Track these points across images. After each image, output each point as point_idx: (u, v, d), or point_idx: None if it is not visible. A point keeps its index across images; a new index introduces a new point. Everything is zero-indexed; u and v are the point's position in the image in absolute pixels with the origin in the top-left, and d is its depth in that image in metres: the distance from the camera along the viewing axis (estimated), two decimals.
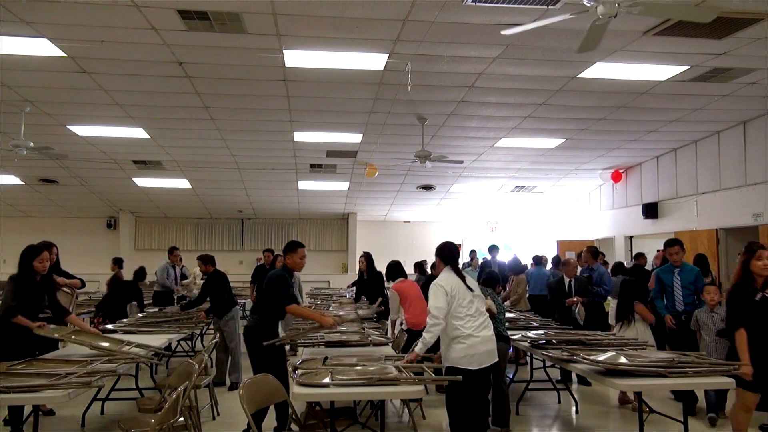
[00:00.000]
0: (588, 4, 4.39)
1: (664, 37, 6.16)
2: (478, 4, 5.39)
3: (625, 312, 6.18)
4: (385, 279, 7.82)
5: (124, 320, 7.12)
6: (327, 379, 3.69)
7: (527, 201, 16.07)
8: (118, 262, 9.40)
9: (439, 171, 12.37)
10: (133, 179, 13.33)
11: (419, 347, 4.08)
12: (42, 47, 6.39)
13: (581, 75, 7.38)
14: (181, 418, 3.79)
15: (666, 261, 7.97)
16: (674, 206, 11.56)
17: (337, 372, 3.77)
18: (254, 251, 17.14)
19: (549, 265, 11.04)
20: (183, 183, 13.70)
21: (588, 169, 12.92)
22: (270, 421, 4.86)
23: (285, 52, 6.60)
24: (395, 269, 7.14)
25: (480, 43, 6.46)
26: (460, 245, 18.08)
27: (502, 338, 5.25)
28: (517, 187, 14.59)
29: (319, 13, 5.73)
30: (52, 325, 4.93)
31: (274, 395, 3.90)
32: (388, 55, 6.70)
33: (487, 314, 4.40)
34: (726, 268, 9.79)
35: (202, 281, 11.54)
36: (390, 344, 5.35)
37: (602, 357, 4.33)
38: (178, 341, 7.77)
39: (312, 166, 12.39)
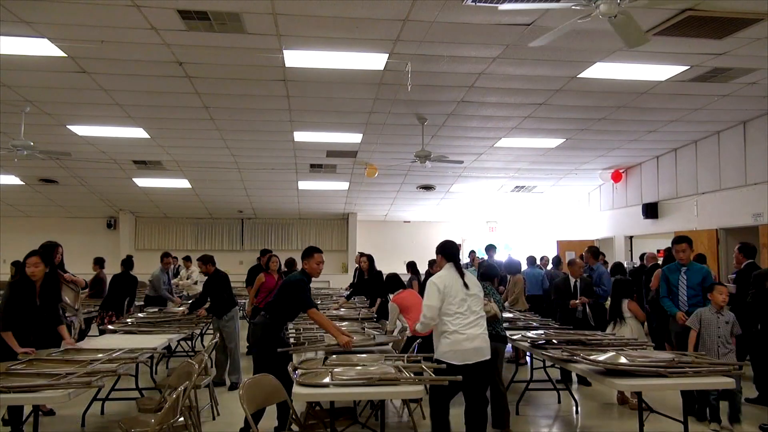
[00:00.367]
0: (588, 4, 4.39)
1: (664, 37, 6.16)
2: (478, 4, 5.38)
3: (615, 311, 6.21)
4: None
5: (128, 320, 7.13)
6: (327, 379, 3.69)
7: (527, 201, 16.07)
8: (99, 262, 9.35)
9: (439, 171, 12.37)
10: (133, 179, 13.33)
11: (418, 326, 4.43)
12: (42, 47, 6.39)
13: (581, 75, 7.38)
14: (181, 418, 3.80)
15: (669, 260, 8.02)
16: (674, 206, 11.56)
17: (337, 372, 3.77)
18: (254, 251, 17.08)
19: (549, 265, 11.07)
20: (183, 183, 13.70)
21: (588, 169, 12.91)
22: (270, 421, 4.86)
23: (285, 52, 6.59)
24: (394, 281, 7.21)
25: (480, 43, 6.46)
26: (460, 245, 18.10)
27: (499, 338, 5.25)
28: (517, 187, 14.59)
29: (319, 13, 5.73)
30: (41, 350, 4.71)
31: (274, 395, 3.90)
32: (388, 55, 6.70)
33: (482, 314, 4.40)
34: (726, 268, 9.78)
35: (191, 279, 11.59)
36: (390, 344, 5.35)
37: (602, 357, 4.33)
38: (178, 341, 7.77)
39: (312, 166, 12.39)
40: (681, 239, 6.06)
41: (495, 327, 5.20)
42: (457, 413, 4.80)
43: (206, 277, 7.34)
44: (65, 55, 6.64)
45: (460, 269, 4.40)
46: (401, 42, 6.35)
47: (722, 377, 4.02)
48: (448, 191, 14.86)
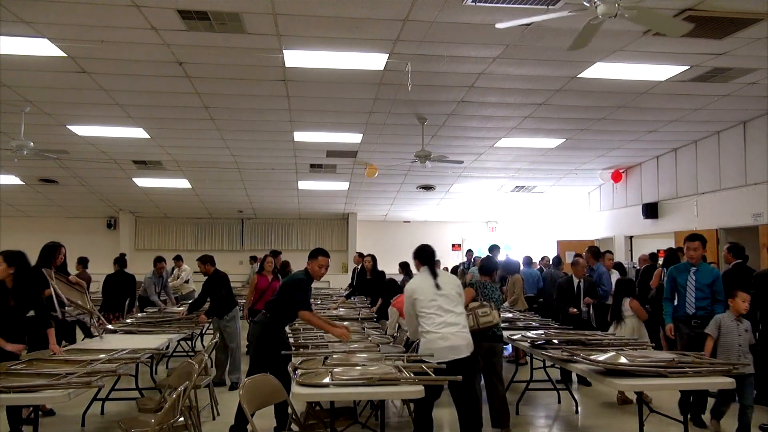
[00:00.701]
0: (588, 4, 4.39)
1: (664, 37, 6.16)
2: (478, 4, 5.39)
3: (616, 311, 6.22)
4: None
5: (128, 320, 7.13)
6: (327, 379, 3.69)
7: (527, 201, 16.07)
8: (82, 262, 9.30)
9: (439, 171, 12.37)
10: (133, 179, 13.33)
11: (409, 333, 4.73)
12: (42, 47, 6.39)
13: (581, 75, 7.38)
14: (181, 418, 3.80)
15: (670, 261, 8.02)
16: (674, 206, 11.56)
17: (337, 372, 3.77)
18: (254, 251, 17.13)
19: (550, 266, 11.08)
20: (183, 183, 13.70)
21: (588, 169, 12.91)
22: (269, 420, 4.87)
23: (285, 52, 6.60)
24: (392, 287, 7.27)
25: (480, 43, 6.46)
26: (459, 245, 18.11)
27: (495, 338, 5.25)
28: (517, 187, 14.59)
29: (319, 13, 5.73)
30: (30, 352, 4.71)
31: (274, 395, 3.90)
32: (388, 55, 6.70)
33: (456, 312, 4.42)
34: (726, 268, 9.78)
35: (180, 279, 11.56)
36: (391, 343, 5.35)
37: (602, 357, 4.33)
38: (178, 341, 7.76)
39: (312, 166, 12.39)
40: (695, 237, 5.68)
41: (491, 327, 5.20)
42: (442, 414, 4.84)
43: (205, 278, 7.32)
44: (65, 55, 6.63)
45: (433, 271, 4.51)
46: (401, 42, 6.35)
47: (722, 377, 4.02)
48: (448, 191, 14.86)
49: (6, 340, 4.49)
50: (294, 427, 4.10)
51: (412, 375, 3.79)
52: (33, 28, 5.99)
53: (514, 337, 5.72)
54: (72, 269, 7.25)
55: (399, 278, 8.44)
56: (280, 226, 17.75)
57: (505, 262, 9.88)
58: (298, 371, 3.87)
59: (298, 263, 7.70)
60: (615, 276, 8.40)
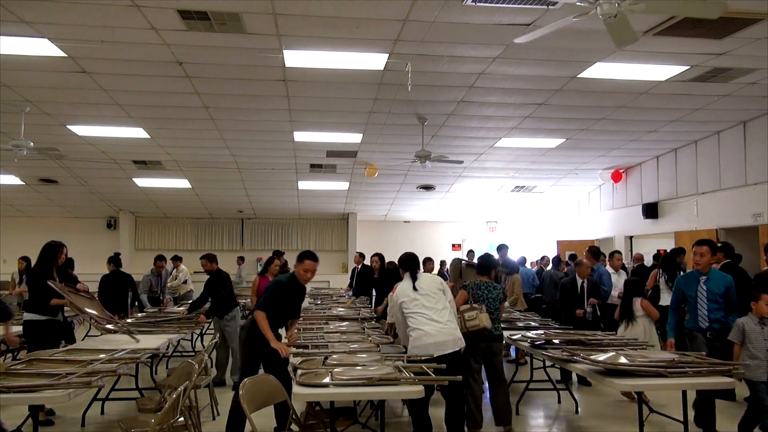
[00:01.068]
0: (588, 5, 4.39)
1: (664, 37, 6.16)
2: (478, 4, 5.39)
3: (627, 310, 6.21)
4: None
5: (128, 320, 7.12)
6: (327, 379, 3.69)
7: (527, 201, 16.07)
8: (69, 264, 9.29)
9: (439, 171, 12.38)
10: (133, 179, 13.33)
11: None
12: (42, 47, 6.39)
13: (581, 75, 7.38)
14: (181, 418, 3.79)
15: (668, 261, 8.04)
16: (674, 206, 11.56)
17: (337, 372, 3.77)
18: (254, 251, 17.15)
19: (549, 266, 11.09)
20: (183, 183, 13.70)
21: (588, 169, 12.92)
22: (270, 420, 4.86)
23: (285, 52, 6.60)
24: (394, 274, 7.25)
25: (480, 43, 6.46)
26: (460, 245, 18.12)
27: (493, 338, 5.26)
28: (517, 187, 14.59)
29: (319, 13, 5.73)
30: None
31: (274, 395, 3.90)
32: (388, 55, 6.70)
33: (439, 309, 4.65)
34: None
35: (179, 280, 11.55)
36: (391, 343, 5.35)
37: (602, 357, 4.33)
38: (178, 341, 7.76)
39: (312, 166, 12.39)
40: (703, 241, 5.22)
41: (484, 329, 5.21)
42: (437, 413, 4.86)
43: (208, 277, 7.31)
44: (65, 55, 6.64)
45: (413, 275, 4.83)
46: (401, 42, 6.36)
47: (722, 377, 4.02)
48: (448, 191, 14.86)
49: None
50: (294, 427, 4.09)
51: (412, 375, 3.79)
52: (33, 28, 5.99)
53: (514, 337, 5.71)
54: (77, 269, 7.27)
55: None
56: (280, 226, 17.75)
57: (503, 262, 9.88)
58: (298, 371, 3.87)
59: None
60: (622, 276, 8.42)
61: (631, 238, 13.38)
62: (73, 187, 13.88)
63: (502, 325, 5.60)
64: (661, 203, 11.98)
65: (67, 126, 9.48)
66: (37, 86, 7.79)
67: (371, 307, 8.26)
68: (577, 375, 6.57)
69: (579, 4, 4.43)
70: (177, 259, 11.88)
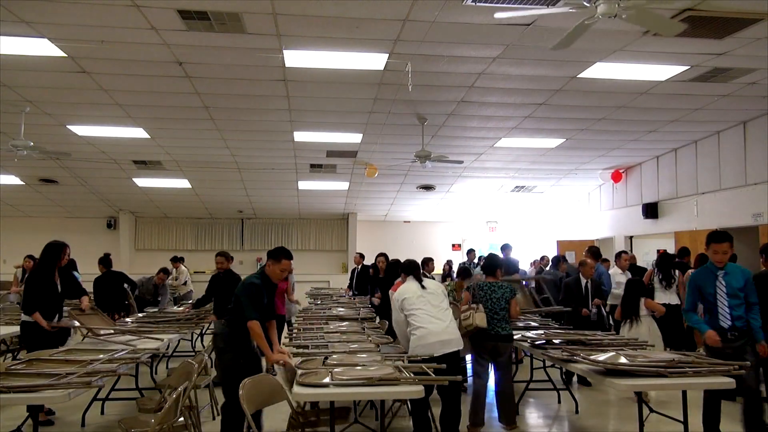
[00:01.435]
0: (588, 4, 4.39)
1: (664, 37, 6.16)
2: (478, 4, 5.39)
3: (632, 310, 6.22)
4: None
5: (127, 320, 7.12)
6: (327, 379, 3.69)
7: (527, 201, 16.07)
8: (33, 258, 9.25)
9: (439, 171, 12.37)
10: (133, 179, 13.33)
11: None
12: (42, 47, 6.39)
13: (581, 75, 7.38)
14: (181, 418, 3.80)
15: (664, 261, 8.05)
16: (674, 206, 11.56)
17: (337, 372, 3.77)
18: (254, 251, 17.14)
19: (549, 266, 11.09)
20: (183, 183, 13.70)
21: (588, 169, 12.91)
22: (270, 421, 4.86)
23: (285, 52, 6.59)
24: (395, 269, 7.29)
25: (480, 43, 6.46)
26: (460, 245, 18.12)
27: (499, 337, 5.26)
28: (517, 187, 14.59)
29: (319, 13, 5.73)
30: None
31: (274, 395, 3.90)
32: (388, 55, 6.70)
33: (443, 308, 4.76)
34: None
35: (179, 281, 11.53)
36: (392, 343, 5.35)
37: (602, 357, 4.34)
38: (179, 341, 7.76)
39: (312, 166, 12.39)
40: (723, 237, 4.63)
41: (495, 326, 5.22)
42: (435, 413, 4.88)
43: (212, 275, 7.28)
44: (65, 55, 6.63)
45: (418, 277, 4.96)
46: (401, 42, 6.35)
47: (722, 377, 4.02)
48: (448, 191, 14.86)
49: None
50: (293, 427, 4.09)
51: (412, 375, 3.80)
52: (33, 28, 5.99)
53: (515, 337, 5.71)
54: (85, 269, 7.23)
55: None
56: (280, 226, 17.74)
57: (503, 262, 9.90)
58: (299, 371, 3.87)
59: (298, 263, 7.71)
60: (621, 277, 8.41)
61: (631, 238, 13.38)
62: (73, 187, 13.87)
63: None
64: (661, 203, 11.98)
65: (67, 126, 9.47)
66: (37, 86, 7.79)
67: (371, 306, 8.26)
68: (577, 375, 6.58)
69: (572, 11, 4.44)
70: (177, 260, 11.87)
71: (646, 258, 12.73)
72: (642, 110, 8.89)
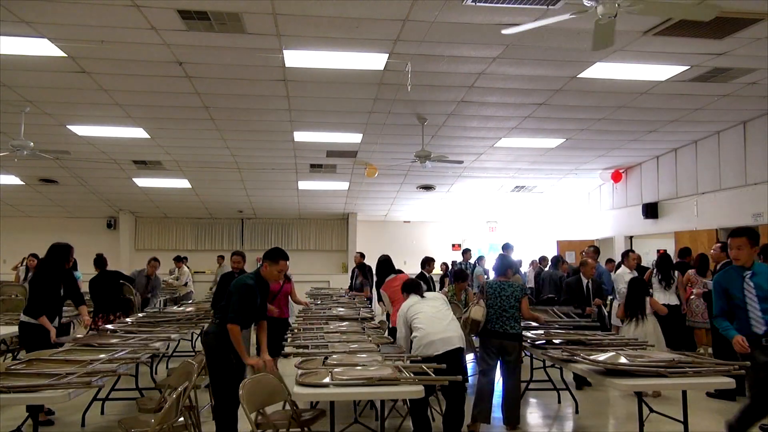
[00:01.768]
0: (588, 4, 4.39)
1: (664, 37, 6.16)
2: (478, 4, 5.38)
3: (635, 310, 6.23)
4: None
5: (127, 320, 7.11)
6: (327, 379, 3.69)
7: (527, 201, 16.07)
8: (36, 257, 9.21)
9: (439, 171, 12.37)
10: (133, 179, 13.33)
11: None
12: (42, 47, 6.39)
13: (581, 75, 7.38)
14: (181, 418, 3.80)
15: (663, 262, 8.05)
16: (674, 206, 11.56)
17: (337, 372, 3.77)
18: (254, 251, 17.09)
19: (548, 266, 11.09)
20: (183, 183, 13.70)
21: (588, 169, 12.91)
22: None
23: (285, 52, 6.59)
24: (387, 266, 7.61)
25: (480, 43, 6.46)
26: (460, 245, 18.12)
27: (507, 336, 5.27)
28: (517, 187, 14.59)
29: (319, 13, 5.73)
30: None
31: (274, 395, 3.90)
32: (388, 55, 6.70)
33: (443, 309, 4.97)
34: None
35: (180, 281, 11.49)
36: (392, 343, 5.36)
37: (602, 357, 4.34)
38: (179, 341, 7.75)
39: (312, 166, 12.39)
40: (739, 232, 4.26)
41: (504, 324, 5.25)
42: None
43: (219, 276, 7.25)
44: (65, 55, 6.63)
45: (420, 293, 5.20)
46: (401, 42, 6.35)
47: (722, 377, 4.02)
48: (448, 191, 14.86)
49: None
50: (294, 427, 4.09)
51: (412, 375, 3.80)
52: (33, 28, 5.99)
53: None
54: (85, 269, 7.20)
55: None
56: (280, 226, 17.74)
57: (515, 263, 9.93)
58: (299, 371, 3.87)
59: (298, 263, 7.71)
60: (629, 276, 8.41)
61: (631, 238, 13.38)
62: (73, 187, 13.87)
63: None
64: (661, 203, 11.97)
65: (67, 126, 9.47)
66: (37, 86, 7.78)
67: (371, 306, 8.27)
68: (574, 376, 6.58)
69: (574, 8, 4.44)
70: (180, 260, 11.84)
71: (646, 258, 12.72)
72: (642, 110, 8.89)
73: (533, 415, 6.16)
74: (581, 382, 6.91)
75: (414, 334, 4.78)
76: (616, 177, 13.26)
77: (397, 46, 6.45)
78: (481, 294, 5.63)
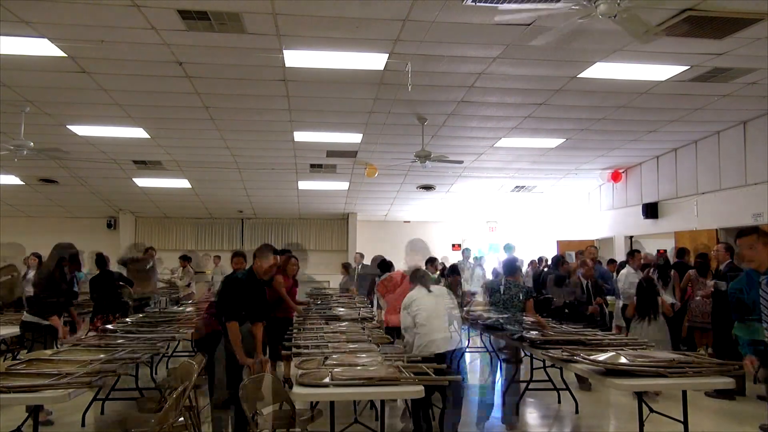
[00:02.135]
0: (588, 3, 4.39)
1: (664, 37, 6.15)
2: (478, 4, 5.38)
3: (648, 309, 6.24)
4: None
5: (127, 320, 7.10)
6: (327, 379, 3.69)
7: (527, 201, 16.07)
8: (37, 256, 9.19)
9: (439, 171, 12.37)
10: (133, 179, 13.33)
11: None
12: (42, 47, 6.38)
13: (581, 75, 7.38)
14: (181, 418, 3.79)
15: (666, 264, 8.06)
16: (674, 206, 11.56)
17: (337, 372, 3.77)
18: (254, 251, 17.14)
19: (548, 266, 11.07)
20: (183, 183, 13.70)
21: (588, 169, 12.91)
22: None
23: (285, 52, 6.59)
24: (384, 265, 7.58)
25: (480, 43, 6.46)
26: (460, 245, 18.11)
27: (509, 334, 5.31)
28: (517, 187, 14.58)
29: (319, 13, 5.73)
30: None
31: (274, 395, 3.89)
32: (388, 55, 6.70)
33: (447, 309, 4.96)
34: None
35: (183, 281, 11.44)
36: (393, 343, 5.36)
37: (602, 357, 4.33)
38: (179, 341, 7.74)
39: (312, 166, 12.39)
40: (748, 230, 4.04)
41: (504, 325, 5.27)
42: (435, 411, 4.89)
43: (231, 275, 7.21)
44: (65, 55, 6.63)
45: (426, 286, 5.12)
46: (401, 42, 6.35)
47: (722, 377, 4.02)
48: (448, 191, 14.86)
49: None
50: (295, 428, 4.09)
51: (412, 375, 3.79)
52: (33, 28, 5.98)
53: (514, 337, 5.71)
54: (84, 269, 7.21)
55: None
56: (280, 226, 17.74)
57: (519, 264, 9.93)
58: (299, 371, 3.87)
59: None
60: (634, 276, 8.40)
61: (631, 238, 13.36)
62: (73, 187, 13.87)
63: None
64: (661, 203, 11.97)
65: (67, 126, 9.47)
66: (37, 86, 7.78)
67: (371, 306, 8.27)
68: (576, 376, 6.57)
69: (575, 8, 4.44)
70: (186, 260, 11.82)
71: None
72: (642, 110, 8.89)
73: (533, 415, 6.16)
74: (583, 381, 6.92)
75: (417, 330, 4.82)
76: (616, 177, 13.25)
77: (397, 46, 6.45)
78: (485, 292, 5.66)
